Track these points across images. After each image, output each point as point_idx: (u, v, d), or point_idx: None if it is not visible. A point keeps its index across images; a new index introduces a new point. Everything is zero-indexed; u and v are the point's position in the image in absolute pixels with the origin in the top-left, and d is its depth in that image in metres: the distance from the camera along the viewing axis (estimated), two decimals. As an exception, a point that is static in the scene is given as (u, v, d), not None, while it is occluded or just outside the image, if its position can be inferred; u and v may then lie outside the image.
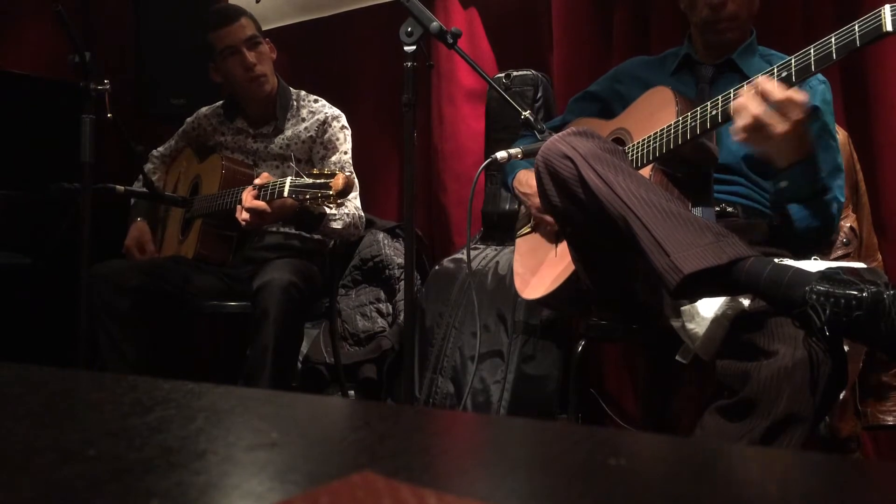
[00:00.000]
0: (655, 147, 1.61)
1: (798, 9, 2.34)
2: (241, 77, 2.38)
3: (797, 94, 1.37)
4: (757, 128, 1.39)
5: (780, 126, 1.38)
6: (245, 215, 2.08)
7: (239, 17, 2.38)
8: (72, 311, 1.91)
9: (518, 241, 2.03)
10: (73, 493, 0.50)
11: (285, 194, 1.95)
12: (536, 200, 1.85)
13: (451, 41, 1.72)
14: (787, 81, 1.39)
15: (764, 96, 1.38)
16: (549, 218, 1.80)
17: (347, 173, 2.33)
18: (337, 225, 2.28)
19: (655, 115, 1.69)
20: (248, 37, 2.37)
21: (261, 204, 2.05)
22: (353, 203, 2.35)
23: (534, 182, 1.85)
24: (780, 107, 1.37)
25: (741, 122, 1.41)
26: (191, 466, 0.55)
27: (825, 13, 2.26)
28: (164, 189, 2.60)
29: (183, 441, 0.62)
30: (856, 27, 1.29)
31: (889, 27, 1.25)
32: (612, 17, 2.69)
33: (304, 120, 2.45)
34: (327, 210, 2.22)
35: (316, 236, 2.41)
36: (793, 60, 1.38)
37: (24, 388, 0.85)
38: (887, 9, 1.25)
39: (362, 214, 2.38)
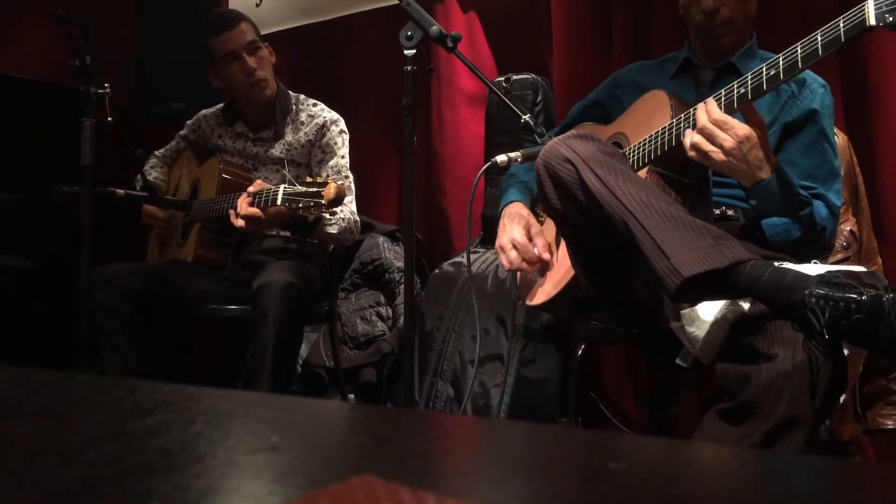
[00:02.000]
0: (650, 150, 1.62)
1: (797, 10, 2.34)
2: (242, 82, 2.39)
3: (734, 121, 1.46)
4: (698, 145, 1.47)
5: (726, 143, 1.45)
6: (240, 222, 2.09)
7: (238, 23, 2.38)
8: (72, 314, 1.91)
9: None
10: (73, 495, 0.50)
11: (278, 202, 1.96)
12: (503, 238, 1.82)
13: (450, 45, 1.72)
14: (774, 80, 1.40)
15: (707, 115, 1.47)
16: (507, 253, 1.79)
17: (342, 179, 2.34)
18: (332, 230, 2.28)
19: (651, 119, 1.69)
20: (249, 42, 2.37)
21: (255, 211, 2.06)
22: (349, 207, 2.35)
23: (521, 212, 1.85)
24: (719, 125, 1.45)
25: (688, 139, 1.50)
26: (190, 470, 0.55)
27: (824, 14, 2.26)
28: (167, 189, 2.61)
29: (182, 444, 0.62)
30: (840, 23, 1.31)
31: (872, 21, 1.26)
32: (611, 21, 2.70)
33: (303, 124, 2.45)
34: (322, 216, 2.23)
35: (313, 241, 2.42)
36: (780, 58, 1.40)
37: (24, 392, 0.85)
38: (870, 3, 1.26)
39: (357, 219, 2.39)
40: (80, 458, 0.58)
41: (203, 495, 0.51)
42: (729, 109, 1.47)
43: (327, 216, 2.24)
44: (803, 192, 1.59)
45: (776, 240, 1.60)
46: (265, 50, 2.42)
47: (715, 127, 1.46)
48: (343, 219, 2.30)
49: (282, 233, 2.42)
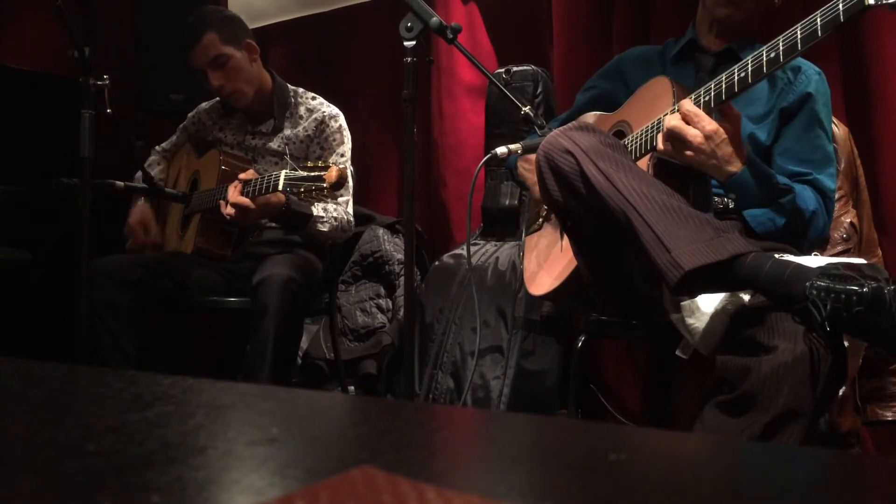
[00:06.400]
0: (651, 137, 1.61)
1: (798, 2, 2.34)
2: (217, 95, 2.41)
3: (703, 116, 1.48)
4: (672, 138, 1.49)
5: (695, 139, 1.46)
6: (229, 210, 2.07)
7: (201, 37, 2.29)
8: (72, 306, 1.91)
9: (527, 238, 2.03)
10: (73, 488, 0.50)
11: (280, 187, 1.96)
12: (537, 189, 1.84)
13: (450, 36, 1.72)
14: (774, 63, 1.40)
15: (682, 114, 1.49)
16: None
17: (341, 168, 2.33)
18: (324, 227, 2.26)
19: (653, 106, 1.69)
20: (212, 59, 2.30)
21: (244, 200, 2.05)
22: (343, 207, 2.34)
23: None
24: (688, 118, 1.47)
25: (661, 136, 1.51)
26: (190, 462, 0.55)
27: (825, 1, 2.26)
28: (166, 184, 2.60)
29: (183, 436, 0.62)
30: (839, 2, 1.30)
31: (871, 0, 1.25)
32: (612, 13, 2.69)
33: (301, 118, 2.44)
34: (314, 212, 2.23)
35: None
36: (780, 40, 1.39)
37: (24, 384, 0.85)
38: None
39: (351, 219, 2.36)
40: (80, 450, 0.58)
41: (203, 487, 0.51)
42: (729, 93, 1.47)
43: (319, 213, 2.24)
44: (784, 180, 1.60)
45: (762, 230, 1.61)
46: (238, 55, 2.34)
47: (682, 124, 1.48)
48: (335, 217, 2.29)
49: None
